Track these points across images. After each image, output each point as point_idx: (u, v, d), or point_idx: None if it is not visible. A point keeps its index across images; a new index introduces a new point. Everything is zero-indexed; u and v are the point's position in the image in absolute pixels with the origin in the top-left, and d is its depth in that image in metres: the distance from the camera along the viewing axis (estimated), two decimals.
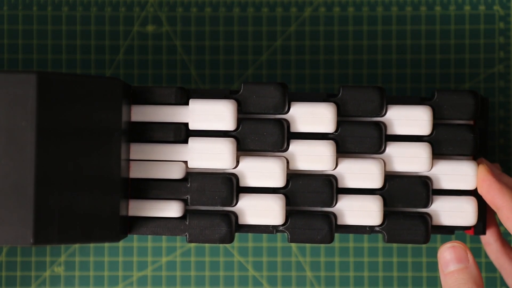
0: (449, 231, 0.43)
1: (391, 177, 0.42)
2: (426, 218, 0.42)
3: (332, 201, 0.42)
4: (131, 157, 0.42)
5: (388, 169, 0.42)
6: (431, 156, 0.42)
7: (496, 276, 0.51)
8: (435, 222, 0.42)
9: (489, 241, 0.45)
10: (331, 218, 0.42)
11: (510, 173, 0.51)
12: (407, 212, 0.42)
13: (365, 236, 0.51)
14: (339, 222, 0.42)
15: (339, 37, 0.51)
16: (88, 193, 0.39)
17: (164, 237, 0.51)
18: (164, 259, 0.51)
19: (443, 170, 0.42)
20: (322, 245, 0.51)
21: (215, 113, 0.42)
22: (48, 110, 0.37)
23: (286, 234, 0.43)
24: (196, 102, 0.42)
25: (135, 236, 0.51)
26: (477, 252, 0.51)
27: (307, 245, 0.51)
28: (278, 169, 0.41)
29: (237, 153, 0.42)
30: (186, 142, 0.42)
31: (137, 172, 0.42)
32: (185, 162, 0.42)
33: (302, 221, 0.42)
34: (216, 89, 0.42)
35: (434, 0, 0.51)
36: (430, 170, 0.42)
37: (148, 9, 0.52)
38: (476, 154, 0.43)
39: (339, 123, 0.42)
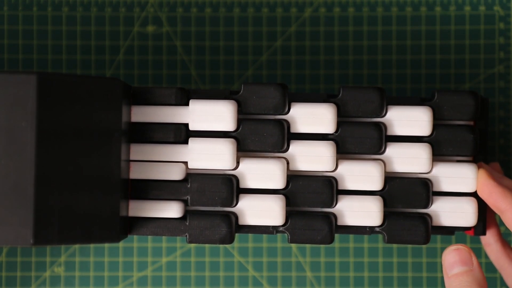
0: (449, 232, 0.43)
1: (391, 178, 0.42)
2: (426, 219, 0.42)
3: (332, 202, 0.42)
4: (131, 157, 0.42)
5: (388, 169, 0.42)
6: (431, 157, 0.42)
7: (496, 276, 0.51)
8: (435, 222, 0.42)
9: (489, 241, 0.45)
10: (331, 218, 0.42)
11: (510, 173, 0.51)
12: (407, 213, 0.42)
13: (365, 236, 0.51)
14: (339, 223, 0.42)
15: (339, 38, 0.51)
16: (88, 193, 0.39)
17: (164, 237, 0.51)
18: (164, 260, 0.51)
19: (443, 173, 0.42)
20: (322, 245, 0.51)
21: (215, 114, 0.42)
22: (48, 111, 0.37)
23: (286, 234, 0.43)
24: (196, 103, 0.42)
25: (135, 237, 0.51)
26: (477, 252, 0.51)
27: (307, 245, 0.51)
28: (278, 171, 0.41)
29: (237, 154, 0.42)
30: (186, 142, 0.42)
31: (137, 172, 0.42)
32: (185, 163, 0.42)
33: (302, 221, 0.42)
34: (216, 90, 0.42)
35: (434, 1, 0.51)
36: (430, 170, 0.42)
37: (148, 9, 0.52)
38: (476, 154, 0.43)
39: (339, 124, 0.42)
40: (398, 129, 0.42)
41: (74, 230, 0.38)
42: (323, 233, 0.42)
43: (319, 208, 0.42)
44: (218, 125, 0.42)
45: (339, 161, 0.42)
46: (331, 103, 0.42)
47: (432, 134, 0.42)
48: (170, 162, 0.42)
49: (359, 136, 0.42)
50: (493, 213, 0.45)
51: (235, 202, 0.42)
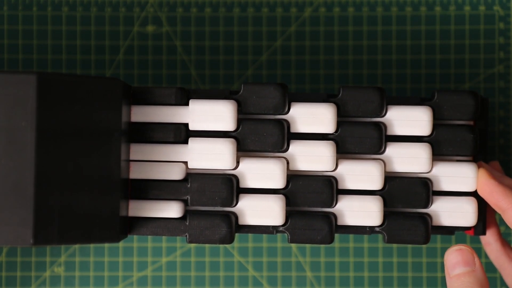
0: (449, 232, 0.43)
1: (391, 178, 0.42)
2: (426, 219, 0.42)
3: (332, 202, 0.42)
4: (131, 157, 0.42)
5: (388, 169, 0.42)
6: (431, 157, 0.42)
7: (496, 276, 0.51)
8: (435, 222, 0.42)
9: (489, 241, 0.45)
10: (331, 218, 0.42)
11: (510, 173, 0.51)
12: (407, 213, 0.42)
13: (365, 236, 0.51)
14: (339, 223, 0.42)
15: (339, 38, 0.51)
16: (88, 193, 0.39)
17: (164, 237, 0.51)
18: (164, 260, 0.51)
19: (443, 172, 0.42)
20: (322, 245, 0.51)
21: (215, 114, 0.42)
22: (48, 111, 0.37)
23: (286, 234, 0.43)
24: (196, 103, 0.42)
25: (135, 237, 0.51)
26: (477, 252, 0.51)
27: (307, 245, 0.51)
28: (278, 171, 0.41)
29: (237, 154, 0.42)
30: (186, 142, 0.42)
31: (137, 172, 0.42)
32: (185, 163, 0.42)
33: (302, 221, 0.42)
34: (216, 90, 0.42)
35: (434, 1, 0.51)
36: (430, 170, 0.42)
37: (148, 9, 0.52)
38: (476, 154, 0.43)
39: (339, 124, 0.42)
40: (398, 129, 0.42)
41: (74, 230, 0.38)
42: (323, 233, 0.42)
43: (319, 208, 0.42)
44: (218, 125, 0.42)
45: (339, 161, 0.42)
46: (331, 103, 0.42)
47: (432, 134, 0.42)
48: (170, 162, 0.42)
49: (359, 136, 0.42)
50: (492, 213, 0.45)
51: (235, 202, 0.42)
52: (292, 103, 0.42)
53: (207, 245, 0.51)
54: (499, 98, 0.51)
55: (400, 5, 0.51)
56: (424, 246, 0.51)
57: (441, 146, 0.42)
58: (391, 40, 0.51)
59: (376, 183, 0.42)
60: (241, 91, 0.42)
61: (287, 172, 0.42)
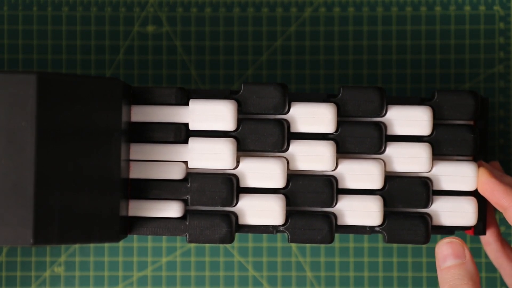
0: (449, 231, 0.43)
1: (391, 178, 0.42)
2: (426, 218, 0.42)
3: (332, 201, 0.42)
4: (131, 157, 0.42)
5: (388, 169, 0.42)
6: (431, 157, 0.42)
7: (496, 276, 0.51)
8: (435, 222, 0.42)
9: (489, 241, 0.46)
10: (331, 218, 0.42)
11: (510, 173, 0.51)
12: (407, 212, 0.42)
13: (365, 236, 0.51)
14: (339, 222, 0.42)
15: (339, 38, 0.51)
16: (88, 193, 0.39)
17: (164, 237, 0.51)
18: (164, 259, 0.51)
19: (443, 171, 0.42)
20: (322, 245, 0.51)
21: (215, 114, 0.42)
22: (48, 111, 0.37)
23: (286, 234, 0.43)
24: (196, 103, 0.42)
25: (135, 236, 0.51)
26: (477, 252, 0.51)
27: (307, 245, 0.51)
28: (279, 170, 0.41)
29: (237, 154, 0.42)
30: (186, 142, 0.42)
31: (137, 172, 0.42)
32: (185, 163, 0.42)
33: (302, 221, 0.42)
34: (216, 90, 0.42)
35: (434, 1, 0.51)
36: (430, 170, 0.42)
37: (148, 9, 0.52)
38: (476, 154, 0.43)
39: (339, 124, 0.42)
40: (398, 129, 0.42)
41: (74, 230, 0.38)
42: (323, 232, 0.42)
43: (319, 207, 0.42)
44: (218, 125, 0.42)
45: (339, 160, 0.42)
46: (331, 103, 0.42)
47: (432, 133, 0.42)
48: (170, 162, 0.42)
49: (359, 136, 0.42)
50: (492, 213, 0.45)
51: (235, 202, 0.42)
52: (292, 103, 0.42)
53: (207, 245, 0.51)
54: (499, 98, 0.51)
55: (400, 5, 0.51)
56: (424, 246, 0.51)
57: (441, 146, 0.42)
58: (391, 40, 0.51)
59: (376, 183, 0.42)
60: (241, 91, 0.42)
61: (287, 172, 0.42)
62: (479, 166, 0.42)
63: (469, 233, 0.44)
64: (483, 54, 0.51)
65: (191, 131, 0.42)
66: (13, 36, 0.52)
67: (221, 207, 0.42)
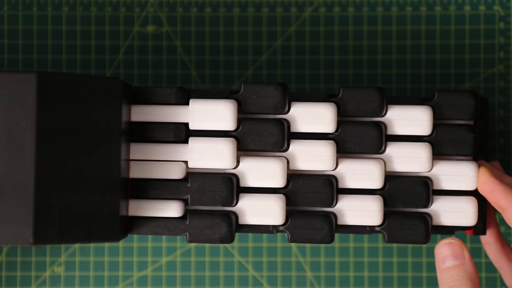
0: (449, 231, 0.43)
1: (391, 177, 0.42)
2: (426, 218, 0.42)
3: (332, 201, 0.42)
4: (131, 157, 0.42)
5: (388, 169, 0.42)
6: (431, 156, 0.42)
7: (496, 276, 0.51)
8: (435, 222, 0.42)
9: (489, 241, 0.46)
10: (331, 218, 0.42)
11: (510, 173, 0.51)
12: (407, 212, 0.42)
13: (365, 236, 0.51)
14: (339, 222, 0.42)
15: (339, 38, 0.51)
16: (88, 193, 0.39)
17: (164, 237, 0.51)
18: (164, 259, 0.51)
19: (443, 171, 0.42)
20: (322, 245, 0.51)
21: (215, 113, 0.42)
22: (48, 110, 0.37)
23: (286, 234, 0.43)
24: (196, 102, 0.42)
25: (135, 236, 0.51)
26: (477, 252, 0.51)
27: (307, 245, 0.51)
28: (279, 170, 0.41)
29: (237, 153, 0.42)
30: (186, 142, 0.42)
31: (137, 172, 0.42)
32: (185, 162, 0.42)
33: (302, 221, 0.42)
34: (216, 89, 0.42)
35: (434, 0, 0.51)
36: (430, 170, 0.42)
37: (148, 9, 0.52)
38: (476, 154, 0.43)
39: (339, 123, 0.42)
40: (398, 129, 0.42)
41: (74, 230, 0.38)
42: (323, 232, 0.42)
43: (319, 207, 0.42)
44: (218, 125, 0.42)
45: (339, 160, 0.42)
46: (331, 103, 0.42)
47: (432, 133, 0.42)
48: (170, 162, 0.42)
49: (359, 136, 0.42)
50: (493, 213, 0.45)
51: (235, 202, 0.42)
52: (292, 103, 0.42)
53: (207, 245, 0.51)
54: (499, 98, 0.51)
55: (400, 5, 0.51)
56: (424, 246, 0.51)
57: (441, 146, 0.42)
58: (391, 40, 0.51)
59: (376, 182, 0.42)
60: (241, 90, 0.42)
61: (287, 172, 0.42)
62: (479, 165, 0.42)
63: (469, 233, 0.44)
64: (483, 54, 0.51)
65: (191, 131, 0.42)
66: (13, 36, 0.52)
67: (221, 207, 0.42)
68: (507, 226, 0.51)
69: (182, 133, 0.42)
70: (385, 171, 0.42)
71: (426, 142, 0.42)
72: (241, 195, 0.42)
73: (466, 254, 0.39)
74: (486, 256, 0.51)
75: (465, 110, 0.42)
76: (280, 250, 0.51)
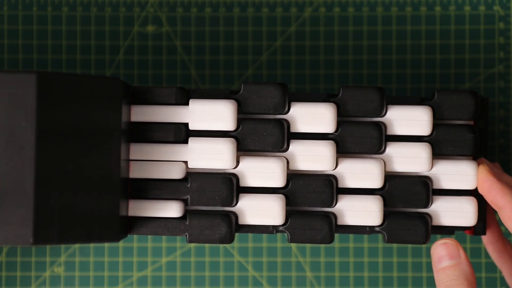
0: (449, 232, 0.43)
1: (391, 177, 0.42)
2: (426, 218, 0.42)
3: (332, 201, 0.42)
4: (131, 157, 0.42)
5: (388, 169, 0.42)
6: (431, 156, 0.42)
7: (496, 276, 0.51)
8: (435, 222, 0.42)
9: (490, 240, 0.46)
10: (331, 218, 0.42)
11: (510, 173, 0.51)
12: (407, 212, 0.42)
13: (365, 236, 0.51)
14: (339, 222, 0.42)
15: (339, 38, 0.51)
16: (88, 193, 0.39)
17: (164, 237, 0.51)
18: (164, 260, 0.51)
19: (443, 170, 0.42)
20: (322, 245, 0.51)
21: (215, 113, 0.42)
22: (48, 110, 0.37)
23: (286, 234, 0.43)
24: (196, 102, 0.42)
25: (135, 236, 0.51)
26: (477, 252, 0.51)
27: (307, 245, 0.51)
28: (278, 169, 0.41)
29: (237, 153, 0.42)
30: (186, 142, 0.42)
31: (137, 172, 0.42)
32: (185, 162, 0.42)
33: (302, 221, 0.42)
34: (216, 89, 0.42)
35: (434, 1, 0.51)
36: (430, 170, 0.42)
37: (148, 9, 0.52)
38: (476, 154, 0.43)
39: (339, 123, 0.42)
40: (398, 129, 0.42)
41: (74, 230, 0.38)
42: (323, 232, 0.42)
43: (319, 207, 0.42)
44: (218, 125, 0.42)
45: (339, 160, 0.42)
46: (331, 103, 0.42)
47: (432, 133, 0.42)
48: (170, 162, 0.42)
49: (359, 136, 0.42)
50: (494, 212, 0.45)
51: (235, 202, 0.42)
52: (292, 103, 0.42)
53: (207, 245, 0.51)
54: (499, 98, 0.51)
55: (400, 5, 0.51)
56: (424, 246, 0.51)
57: (441, 146, 0.42)
58: (391, 40, 0.51)
59: (376, 182, 0.42)
60: (241, 90, 0.42)
61: (287, 172, 0.42)
62: (479, 163, 0.42)
63: (469, 233, 0.44)
64: (483, 54, 0.51)
65: (191, 131, 0.42)
66: (13, 36, 0.52)
67: (221, 207, 0.42)
68: None
69: (182, 133, 0.42)
70: (385, 171, 0.42)
71: (426, 142, 0.42)
72: (241, 195, 0.42)
73: (462, 253, 0.39)
74: (486, 256, 0.51)
75: (465, 110, 0.42)
76: (280, 250, 0.51)
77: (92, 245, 0.51)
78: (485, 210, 0.43)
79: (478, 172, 0.42)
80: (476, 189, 0.42)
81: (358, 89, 0.42)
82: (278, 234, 0.51)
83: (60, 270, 0.51)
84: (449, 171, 0.42)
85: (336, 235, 0.51)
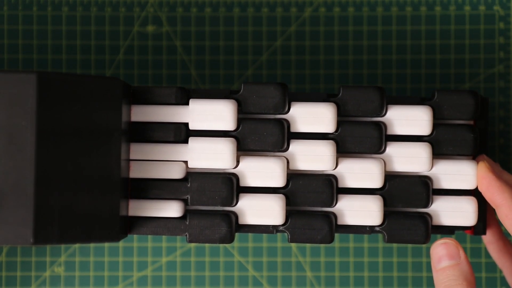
0: (449, 231, 0.43)
1: (391, 177, 0.42)
2: (426, 218, 0.42)
3: (332, 201, 0.42)
4: (131, 157, 0.42)
5: (388, 169, 0.42)
6: (431, 156, 0.42)
7: (496, 276, 0.51)
8: (435, 222, 0.42)
9: (491, 240, 0.46)
10: (331, 218, 0.42)
11: (510, 173, 0.51)
12: (407, 212, 0.42)
13: (365, 236, 0.51)
14: (339, 222, 0.42)
15: (339, 38, 0.51)
16: (88, 193, 0.39)
17: (164, 237, 0.51)
18: (164, 259, 0.51)
19: (443, 170, 0.42)
20: (322, 245, 0.51)
21: (215, 113, 0.42)
22: (48, 110, 0.37)
23: (286, 234, 0.43)
24: (196, 102, 0.42)
25: (135, 236, 0.51)
26: (477, 252, 0.51)
27: (307, 245, 0.51)
28: (279, 169, 0.41)
29: (237, 153, 0.42)
30: (186, 142, 0.42)
31: (137, 172, 0.42)
32: (185, 162, 0.42)
33: (302, 221, 0.42)
34: (216, 89, 0.42)
35: (434, 0, 0.51)
36: (430, 170, 0.42)
37: (148, 9, 0.52)
38: (476, 154, 0.43)
39: (339, 123, 0.42)
40: (398, 129, 0.42)
41: (74, 230, 0.38)
42: (323, 232, 0.42)
43: (319, 207, 0.42)
44: (218, 125, 0.42)
45: (339, 160, 0.42)
46: (331, 103, 0.42)
47: (432, 133, 0.42)
48: (170, 162, 0.42)
49: (359, 136, 0.42)
50: (494, 212, 0.45)
51: (235, 202, 0.42)
52: (292, 103, 0.42)
53: (207, 245, 0.51)
54: (499, 98, 0.51)
55: (400, 5, 0.51)
56: (424, 246, 0.51)
57: (441, 146, 0.42)
58: (391, 40, 0.51)
59: (376, 181, 0.42)
60: (241, 90, 0.42)
61: (287, 172, 0.42)
62: (479, 160, 0.42)
63: (469, 233, 0.44)
64: (483, 54, 0.51)
65: (191, 131, 0.42)
66: (13, 36, 0.52)
67: (221, 207, 0.42)
68: None
69: (182, 133, 0.42)
70: (385, 171, 0.42)
71: (426, 142, 0.42)
72: (241, 195, 0.42)
73: (462, 254, 0.39)
74: (486, 256, 0.51)
75: (465, 110, 0.42)
76: (280, 250, 0.51)
77: (92, 245, 0.51)
78: (485, 209, 0.43)
79: (477, 169, 0.42)
80: (476, 189, 0.42)
81: (358, 89, 0.42)
82: (278, 234, 0.51)
83: (60, 270, 0.51)
84: (449, 171, 0.42)
85: (336, 235, 0.51)
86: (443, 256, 0.39)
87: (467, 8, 0.51)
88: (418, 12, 0.51)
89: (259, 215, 0.42)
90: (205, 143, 0.42)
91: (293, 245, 0.51)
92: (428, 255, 0.51)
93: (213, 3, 0.52)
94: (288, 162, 0.42)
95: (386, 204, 0.42)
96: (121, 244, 0.51)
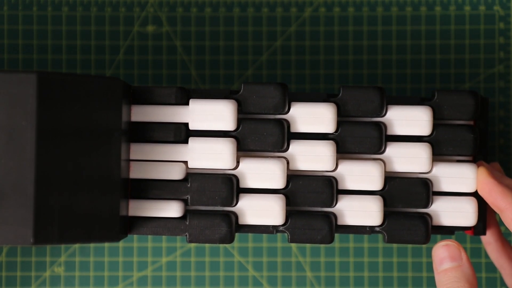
0: (449, 232, 0.43)
1: (391, 178, 0.42)
2: (426, 219, 0.42)
3: (332, 201, 0.42)
4: (131, 157, 0.42)
5: (388, 169, 0.42)
6: (431, 156, 0.42)
7: (496, 276, 0.51)
8: (435, 222, 0.42)
9: (490, 240, 0.46)
10: (331, 218, 0.42)
11: (510, 173, 0.51)
12: (407, 213, 0.42)
13: (365, 236, 0.51)
14: (339, 222, 0.42)
15: (339, 38, 0.51)
16: (88, 193, 0.39)
17: (164, 237, 0.51)
18: (164, 259, 0.51)
19: (443, 173, 0.42)
20: (322, 245, 0.51)
21: (215, 113, 0.42)
22: (48, 110, 0.37)
23: (286, 234, 0.43)
24: (196, 102, 0.42)
25: (135, 236, 0.51)
26: (477, 252, 0.51)
27: (307, 245, 0.51)
28: (279, 171, 0.41)
29: (237, 154, 0.42)
30: (186, 142, 0.42)
31: (137, 172, 0.42)
32: (185, 162, 0.42)
33: (302, 221, 0.42)
34: (216, 89, 0.42)
35: (434, 1, 0.51)
36: (430, 170, 0.42)
37: (148, 9, 0.52)
38: (476, 154, 0.43)
39: (339, 123, 0.42)
40: (398, 129, 0.42)
41: (74, 230, 0.38)
42: (323, 232, 0.42)
43: (319, 207, 0.42)
44: (218, 125, 0.42)
45: (339, 161, 0.42)
46: (331, 103, 0.42)
47: (432, 133, 0.42)
48: (170, 162, 0.42)
49: (359, 136, 0.42)
50: (493, 212, 0.45)
51: (235, 202, 0.42)
52: (292, 103, 0.42)
53: (207, 245, 0.51)
54: (499, 98, 0.51)
55: (400, 5, 0.51)
56: (424, 246, 0.51)
57: (441, 146, 0.42)
58: (391, 40, 0.51)
59: (376, 184, 0.42)
60: (241, 90, 0.42)
61: (287, 172, 0.42)
62: (479, 166, 0.42)
63: (469, 233, 0.44)
64: (483, 54, 0.51)
65: (191, 131, 0.42)
66: (13, 36, 0.52)
67: (221, 207, 0.42)
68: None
69: (182, 133, 0.42)
70: (385, 171, 0.42)
71: (426, 142, 0.42)
72: (241, 195, 0.42)
73: (464, 255, 0.39)
74: (486, 256, 0.51)
75: (465, 110, 0.42)
76: (280, 250, 0.51)
77: (92, 245, 0.51)
78: (485, 210, 0.43)
79: (477, 175, 0.42)
80: (476, 192, 0.42)
81: (358, 89, 0.42)
82: (278, 234, 0.51)
83: (60, 270, 0.51)
84: (448, 174, 0.42)
85: (336, 235, 0.51)
86: (445, 258, 0.39)
87: (467, 8, 0.51)
88: (418, 12, 0.51)
89: (259, 215, 0.42)
90: (205, 143, 0.42)
91: (293, 245, 0.51)
92: (428, 255, 0.51)
93: (213, 3, 0.52)
94: (288, 162, 0.42)
95: (386, 204, 0.42)
96: (121, 244, 0.51)
